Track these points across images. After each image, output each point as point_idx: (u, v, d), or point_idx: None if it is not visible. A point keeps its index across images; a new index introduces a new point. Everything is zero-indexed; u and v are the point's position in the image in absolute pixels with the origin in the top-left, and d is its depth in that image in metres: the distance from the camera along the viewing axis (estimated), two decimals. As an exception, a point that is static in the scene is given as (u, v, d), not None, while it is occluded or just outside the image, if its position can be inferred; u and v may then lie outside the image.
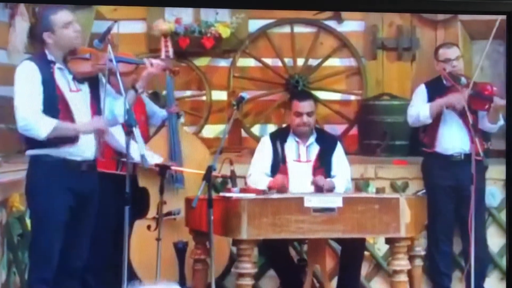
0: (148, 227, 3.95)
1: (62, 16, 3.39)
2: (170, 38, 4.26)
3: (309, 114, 4.04)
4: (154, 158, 3.89)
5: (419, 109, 4.20)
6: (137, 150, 3.47)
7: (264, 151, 4.08)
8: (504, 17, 3.99)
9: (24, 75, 3.33)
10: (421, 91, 4.28)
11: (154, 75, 3.68)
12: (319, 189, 3.92)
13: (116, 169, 3.88)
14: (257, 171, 4.02)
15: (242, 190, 3.73)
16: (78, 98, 3.40)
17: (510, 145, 3.87)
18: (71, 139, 3.36)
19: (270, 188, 3.90)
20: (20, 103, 3.31)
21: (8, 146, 3.76)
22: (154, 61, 3.65)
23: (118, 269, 3.42)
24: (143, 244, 3.82)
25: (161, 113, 4.22)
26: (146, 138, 4.08)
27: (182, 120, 4.27)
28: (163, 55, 4.20)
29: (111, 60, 3.37)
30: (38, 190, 3.33)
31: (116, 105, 3.48)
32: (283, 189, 3.87)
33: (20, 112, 3.31)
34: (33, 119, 3.30)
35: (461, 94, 4.06)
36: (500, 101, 4.06)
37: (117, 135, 3.72)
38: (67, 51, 3.40)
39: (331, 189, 3.93)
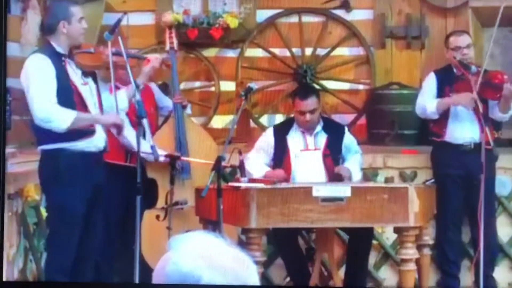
0: (157, 217, 4.09)
1: (78, 10, 3.52)
2: (174, 30, 4.41)
3: (312, 112, 4.09)
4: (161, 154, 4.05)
5: (427, 103, 4.23)
6: (147, 141, 3.64)
7: (263, 144, 4.19)
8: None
9: (37, 68, 3.41)
10: (431, 80, 4.32)
11: (155, 69, 3.87)
12: (339, 178, 4.00)
13: (125, 161, 4.05)
14: (256, 160, 4.13)
15: (251, 180, 3.86)
16: (88, 91, 3.55)
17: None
18: (89, 132, 3.47)
19: (266, 177, 3.98)
20: (36, 95, 3.38)
21: (23, 137, 3.88)
22: (152, 55, 3.83)
23: (129, 257, 3.61)
24: (153, 233, 3.98)
25: (169, 104, 4.37)
26: (155, 130, 4.22)
27: (189, 111, 4.39)
28: (167, 47, 4.36)
29: (116, 54, 3.54)
30: (60, 184, 3.42)
31: (118, 99, 3.64)
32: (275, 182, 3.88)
33: (37, 104, 3.38)
34: (53, 111, 3.38)
35: (471, 96, 4.08)
36: (511, 90, 4.10)
37: (125, 130, 3.90)
38: (72, 45, 3.51)
39: (350, 178, 4.04)
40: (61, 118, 3.40)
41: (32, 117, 3.49)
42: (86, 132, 3.48)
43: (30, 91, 3.43)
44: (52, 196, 3.51)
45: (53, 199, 3.51)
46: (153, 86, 4.42)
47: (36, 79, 3.43)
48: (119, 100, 3.61)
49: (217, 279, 1.23)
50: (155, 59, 3.83)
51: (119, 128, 3.58)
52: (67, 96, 3.45)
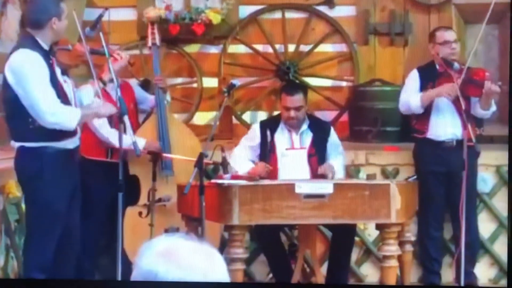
0: (140, 213, 4.15)
1: (65, 5, 3.52)
2: (157, 26, 4.44)
3: (297, 108, 4.15)
4: (141, 143, 4.11)
5: (410, 98, 4.29)
6: (128, 137, 3.70)
7: (252, 139, 4.24)
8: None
9: (32, 65, 3.38)
10: (414, 76, 4.37)
11: (122, 68, 3.92)
12: (324, 177, 4.05)
13: (106, 157, 4.10)
14: (241, 155, 4.19)
15: (234, 177, 3.92)
16: (67, 88, 3.57)
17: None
18: (73, 133, 3.49)
19: (249, 174, 4.04)
20: (40, 97, 3.33)
21: (4, 133, 3.90)
22: (121, 53, 3.89)
23: (112, 254, 3.66)
24: (135, 230, 4.04)
25: (150, 98, 4.38)
26: (135, 125, 4.25)
27: (168, 98, 4.41)
28: (149, 42, 4.40)
29: (92, 52, 3.57)
30: (42, 181, 3.43)
31: (82, 95, 3.66)
32: (262, 178, 3.96)
33: (45, 107, 3.34)
34: (61, 113, 3.38)
35: (453, 84, 4.13)
36: (492, 87, 4.15)
37: (100, 127, 3.94)
38: (54, 41, 3.51)
39: (334, 176, 4.08)
40: (69, 119, 3.41)
41: (8, 113, 3.49)
42: (70, 133, 3.50)
43: (30, 92, 3.38)
44: (34, 193, 3.52)
45: (35, 196, 3.52)
46: (133, 83, 4.47)
47: (35, 79, 3.39)
48: (85, 96, 3.64)
49: (175, 272, 1.33)
50: (125, 58, 3.88)
51: (112, 119, 3.59)
52: (57, 93, 3.44)
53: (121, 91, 4.01)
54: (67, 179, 3.50)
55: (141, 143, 4.05)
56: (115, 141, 3.78)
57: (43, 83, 3.38)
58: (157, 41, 4.37)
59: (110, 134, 3.99)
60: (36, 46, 3.45)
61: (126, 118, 3.57)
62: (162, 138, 4.24)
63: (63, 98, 3.48)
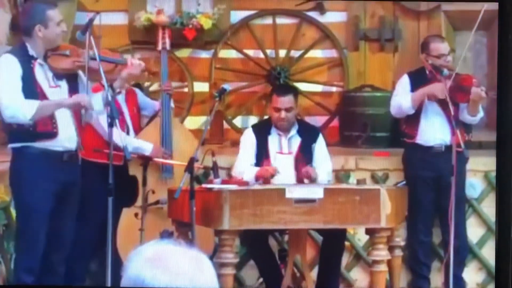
0: (136, 215, 4.14)
1: (56, 13, 3.54)
2: (168, 30, 4.45)
3: (287, 109, 4.15)
4: (145, 146, 4.08)
5: (401, 99, 4.32)
6: (122, 141, 3.69)
7: (247, 143, 4.24)
8: (495, 5, 4.15)
9: (4, 68, 3.45)
10: (404, 81, 4.41)
11: (133, 76, 3.87)
12: (306, 179, 4.05)
13: (107, 159, 4.08)
14: (242, 162, 4.18)
15: (224, 181, 3.92)
16: (57, 94, 3.57)
17: (500, 136, 3.96)
18: (50, 134, 3.51)
19: (257, 177, 4.05)
20: (2, 94, 3.42)
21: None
22: (134, 61, 3.85)
23: (104, 257, 3.64)
24: (130, 231, 4.02)
25: (153, 104, 4.40)
26: (138, 129, 4.27)
27: (171, 104, 4.42)
28: (159, 47, 4.41)
29: (94, 58, 3.57)
30: (23, 181, 3.48)
31: (92, 102, 3.67)
32: (270, 178, 3.99)
33: (2, 103, 3.43)
34: (15, 105, 3.43)
35: (442, 84, 4.18)
36: (478, 92, 4.20)
37: (104, 123, 3.92)
38: (49, 48, 3.54)
39: (315, 180, 4.08)
40: (23, 109, 3.44)
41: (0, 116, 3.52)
42: (47, 134, 3.51)
43: None
44: (16, 193, 3.56)
45: (17, 196, 3.56)
46: (136, 88, 4.47)
47: (1, 79, 3.45)
48: (94, 103, 3.64)
49: (162, 277, 1.34)
50: (137, 65, 3.81)
51: (85, 108, 3.58)
52: (32, 96, 3.47)
53: (125, 96, 4.02)
54: (50, 181, 3.51)
55: (148, 148, 4.05)
56: (117, 141, 3.76)
57: (9, 83, 3.44)
58: (167, 46, 4.38)
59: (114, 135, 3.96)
60: (20, 51, 3.51)
61: (117, 122, 3.56)
62: (165, 142, 4.25)
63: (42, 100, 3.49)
